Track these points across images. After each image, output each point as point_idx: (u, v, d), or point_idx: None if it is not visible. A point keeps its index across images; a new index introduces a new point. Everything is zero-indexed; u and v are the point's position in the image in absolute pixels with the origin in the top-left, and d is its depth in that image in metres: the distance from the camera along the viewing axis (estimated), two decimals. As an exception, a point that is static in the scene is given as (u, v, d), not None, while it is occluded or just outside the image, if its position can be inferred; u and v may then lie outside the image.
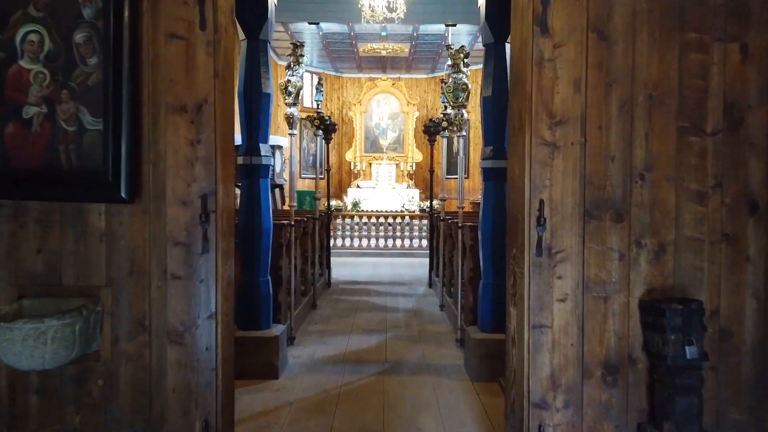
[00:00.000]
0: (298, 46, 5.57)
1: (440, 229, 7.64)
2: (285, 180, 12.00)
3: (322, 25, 12.96)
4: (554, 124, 2.58)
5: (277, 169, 11.68)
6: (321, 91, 7.15)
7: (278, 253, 5.47)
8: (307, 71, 16.61)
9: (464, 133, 5.73)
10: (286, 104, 5.63)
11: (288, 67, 5.59)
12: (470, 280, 5.51)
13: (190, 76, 2.61)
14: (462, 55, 5.63)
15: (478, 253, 5.39)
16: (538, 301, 2.59)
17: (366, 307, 7.38)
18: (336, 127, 8.68)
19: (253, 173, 4.80)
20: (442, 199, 7.34)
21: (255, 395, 4.31)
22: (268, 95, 4.81)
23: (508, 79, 4.84)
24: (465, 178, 16.94)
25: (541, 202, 2.55)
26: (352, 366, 4.99)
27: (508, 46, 4.82)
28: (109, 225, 2.61)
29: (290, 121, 5.64)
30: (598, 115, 2.59)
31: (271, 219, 4.92)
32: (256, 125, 4.78)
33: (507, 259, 2.90)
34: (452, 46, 5.70)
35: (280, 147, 11.83)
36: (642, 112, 2.60)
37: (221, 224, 2.63)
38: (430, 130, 8.56)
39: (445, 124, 7.13)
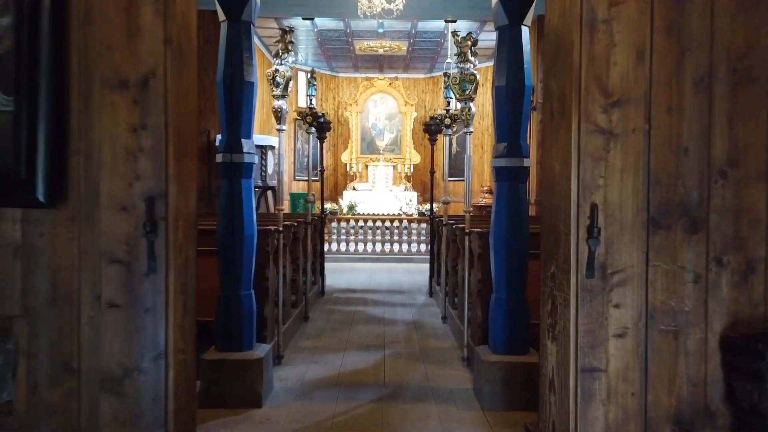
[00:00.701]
0: (287, 31, 4.93)
1: (443, 234, 7.01)
2: (276, 184, 11.36)
3: (317, 21, 12.34)
4: (610, 105, 1.94)
5: (269, 171, 11.04)
6: (314, 85, 6.52)
7: (264, 262, 4.82)
8: (301, 70, 15.98)
9: (471, 129, 5.10)
10: (273, 96, 4.98)
11: (276, 55, 4.94)
12: (478, 293, 4.87)
13: (133, 41, 1.96)
14: (469, 43, 5.01)
15: (488, 262, 4.76)
16: (588, 336, 1.95)
17: (362, 318, 6.74)
18: (330, 125, 8.05)
19: (233, 173, 4.15)
20: (445, 202, 6.71)
21: (234, 429, 3.66)
22: (252, 84, 4.17)
23: (525, 65, 4.24)
24: (464, 180, 16.31)
25: (594, 207, 1.92)
26: (347, 391, 4.35)
27: (524, 29, 4.20)
28: (26, 237, 1.95)
29: (278, 115, 5.00)
30: (666, 94, 1.96)
31: (255, 224, 4.27)
32: (238, 118, 4.14)
33: (542, 278, 2.26)
34: (458, 33, 5.08)
35: (272, 147, 11.17)
36: (724, 90, 1.96)
37: (174, 235, 1.99)
38: (431, 128, 7.92)
39: (448, 121, 6.51)
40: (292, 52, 4.93)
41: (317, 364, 4.98)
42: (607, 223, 1.93)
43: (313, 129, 6.63)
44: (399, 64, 15.62)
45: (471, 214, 5.25)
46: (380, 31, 12.80)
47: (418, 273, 10.27)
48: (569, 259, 1.97)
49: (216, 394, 4.03)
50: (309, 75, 6.49)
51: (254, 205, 4.27)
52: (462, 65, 4.97)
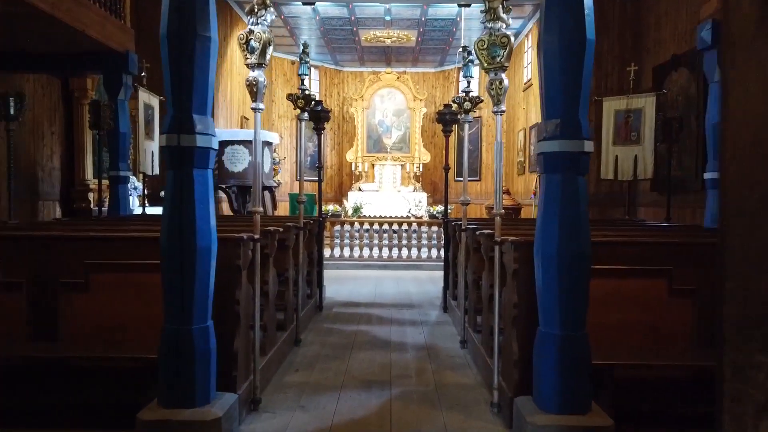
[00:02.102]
0: (265, -20, 3.73)
1: (460, 240, 5.78)
2: (275, 183, 10.16)
3: (320, 7, 11.14)
4: None
5: (267, 169, 9.85)
6: (306, 63, 5.27)
7: (233, 280, 3.61)
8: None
9: (503, 107, 3.87)
10: (247, 65, 3.77)
11: (250, 12, 3.74)
12: (513, 321, 3.64)
13: None
14: (501, -4, 3.77)
15: (527, 281, 3.53)
16: None
17: (365, 341, 5.51)
18: (329, 114, 6.83)
19: (182, 161, 2.94)
20: (465, 203, 5.48)
21: None
22: (208, 39, 2.97)
23: (586, 11, 3.01)
24: (477, 180, 15.08)
25: None
26: (340, 457, 3.13)
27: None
28: None
29: (253, 90, 3.78)
30: None
31: (214, 232, 3.07)
32: (188, 85, 2.93)
33: (729, 365, 1.02)
34: (486, -16, 3.84)
35: (270, 144, 9.99)
36: None
37: None
38: (446, 118, 6.69)
39: (467, 105, 5.28)
40: (271, 9, 3.72)
41: (304, 411, 3.75)
42: None
43: (306, 115, 5.41)
44: (407, 57, 14.41)
45: (492, 215, 4.00)
46: (387, 18, 11.57)
47: (429, 282, 9.03)
48: None
49: (156, 469, 2.83)
50: (301, 50, 5.29)
51: (213, 205, 3.06)
52: (491, 25, 3.74)
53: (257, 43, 3.72)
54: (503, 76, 3.80)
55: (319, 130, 6.73)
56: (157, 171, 7.60)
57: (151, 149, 7.40)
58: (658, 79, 8.57)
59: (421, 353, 5.10)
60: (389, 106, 14.57)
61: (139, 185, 8.89)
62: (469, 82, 5.35)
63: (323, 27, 12.16)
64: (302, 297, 6.01)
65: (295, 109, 5.41)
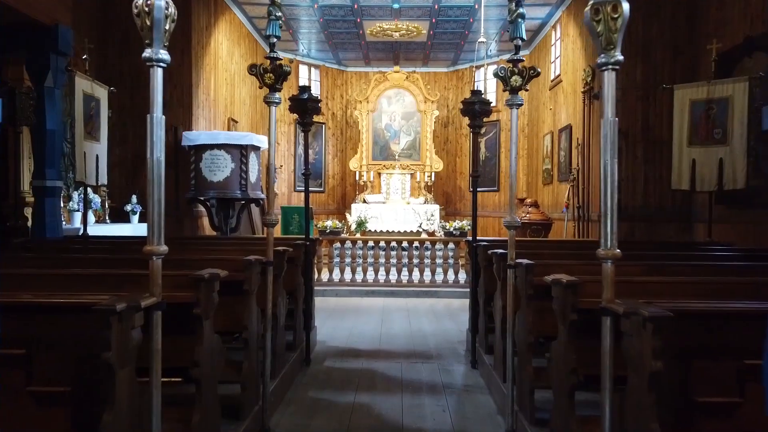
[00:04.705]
0: None
1: (501, 277, 3.90)
2: (264, 195, 8.32)
3: (318, -6, 9.37)
4: None
5: (253, 178, 8.01)
6: (277, 20, 3.41)
7: (101, 392, 1.79)
8: (303, 63, 13.02)
9: (618, 55, 2.01)
10: (137, -20, 1.96)
11: None
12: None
13: None
14: None
15: (683, 392, 1.69)
16: None
17: (365, 426, 3.62)
18: (319, 105, 4.99)
19: None
20: (512, 226, 3.59)
21: None
22: None
23: None
24: (494, 190, 13.21)
25: None
26: None
27: None
28: None
29: (146, 22, 1.96)
30: None
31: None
32: None
33: None
34: None
35: (257, 148, 8.16)
36: None
37: None
38: (474, 108, 4.84)
39: (516, 80, 3.44)
40: None
41: None
42: None
43: (277, 97, 3.56)
44: (417, 54, 12.58)
45: (600, 255, 2.10)
46: (395, 6, 9.76)
47: (447, 316, 7.13)
48: None
49: None
50: (270, 2, 3.48)
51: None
52: None
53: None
54: (619, -4, 1.95)
55: (305, 125, 4.90)
56: (103, 180, 5.79)
57: (94, 152, 5.60)
58: (724, 66, 6.67)
59: (449, 455, 3.21)
60: (397, 108, 12.73)
61: (96, 198, 7.09)
62: (517, 48, 3.49)
63: (323, 18, 10.37)
64: (278, 354, 4.17)
65: (261, 87, 3.58)
